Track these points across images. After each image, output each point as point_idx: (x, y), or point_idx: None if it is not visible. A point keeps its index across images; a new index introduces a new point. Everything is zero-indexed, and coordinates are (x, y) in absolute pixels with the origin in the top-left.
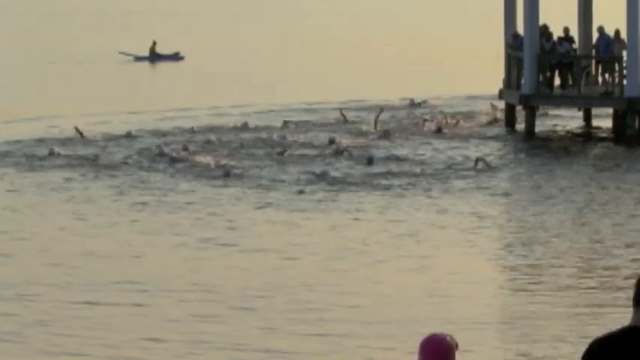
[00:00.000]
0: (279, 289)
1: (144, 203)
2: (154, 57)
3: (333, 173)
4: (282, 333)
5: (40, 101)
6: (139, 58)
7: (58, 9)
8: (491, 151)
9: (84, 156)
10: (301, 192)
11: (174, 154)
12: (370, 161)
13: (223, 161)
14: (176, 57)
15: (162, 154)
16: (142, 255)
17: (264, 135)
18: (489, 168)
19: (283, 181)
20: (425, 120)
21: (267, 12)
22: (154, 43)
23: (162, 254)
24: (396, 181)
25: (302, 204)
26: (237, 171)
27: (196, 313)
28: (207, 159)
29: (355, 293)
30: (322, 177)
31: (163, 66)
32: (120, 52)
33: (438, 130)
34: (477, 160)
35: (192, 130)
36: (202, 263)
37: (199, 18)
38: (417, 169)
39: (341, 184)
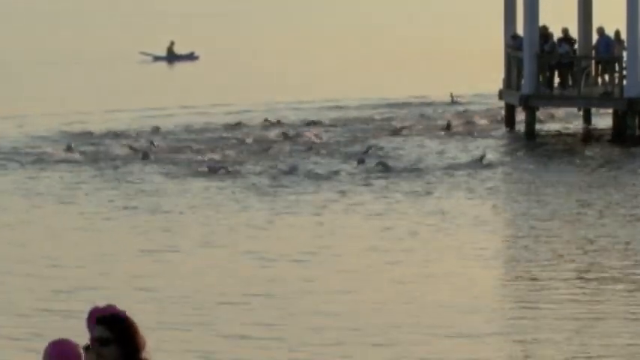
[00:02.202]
0: (262, 294)
1: (108, 203)
2: (172, 57)
3: (321, 172)
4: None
5: (56, 100)
6: (157, 58)
7: (78, 9)
8: (490, 151)
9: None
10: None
11: (158, 152)
12: (361, 161)
13: (208, 158)
14: (191, 57)
15: (148, 153)
16: (109, 258)
17: (263, 133)
18: (490, 165)
19: (277, 182)
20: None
21: (277, 12)
22: (172, 43)
23: (133, 257)
24: (388, 181)
25: (289, 204)
26: (231, 169)
27: (164, 320)
28: (195, 157)
29: (343, 297)
30: (308, 175)
31: (179, 65)
32: (140, 52)
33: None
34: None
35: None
36: (175, 267)
37: (213, 19)
38: (411, 169)
39: (331, 183)
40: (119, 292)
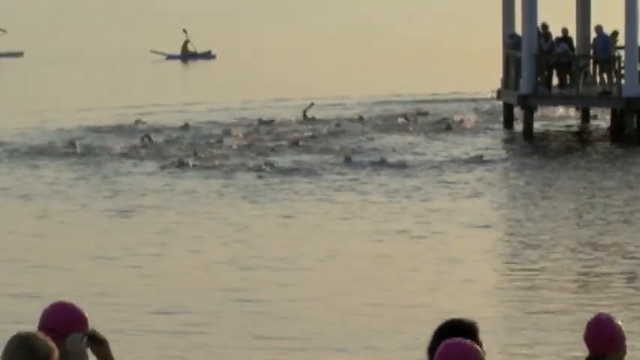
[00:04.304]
0: (241, 299)
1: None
2: (186, 56)
3: (314, 171)
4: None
5: (66, 99)
6: (170, 57)
7: (78, 9)
8: (488, 151)
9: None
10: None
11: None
12: (348, 159)
13: (197, 155)
14: (208, 55)
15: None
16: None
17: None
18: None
19: (265, 180)
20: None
21: (277, 12)
22: (186, 42)
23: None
24: (381, 180)
25: (277, 203)
26: (219, 165)
27: (139, 327)
28: (185, 154)
29: (340, 298)
30: (299, 174)
31: (177, 65)
32: (151, 51)
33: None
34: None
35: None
36: (151, 271)
37: (213, 19)
38: (407, 168)
39: (317, 181)
40: (83, 297)
